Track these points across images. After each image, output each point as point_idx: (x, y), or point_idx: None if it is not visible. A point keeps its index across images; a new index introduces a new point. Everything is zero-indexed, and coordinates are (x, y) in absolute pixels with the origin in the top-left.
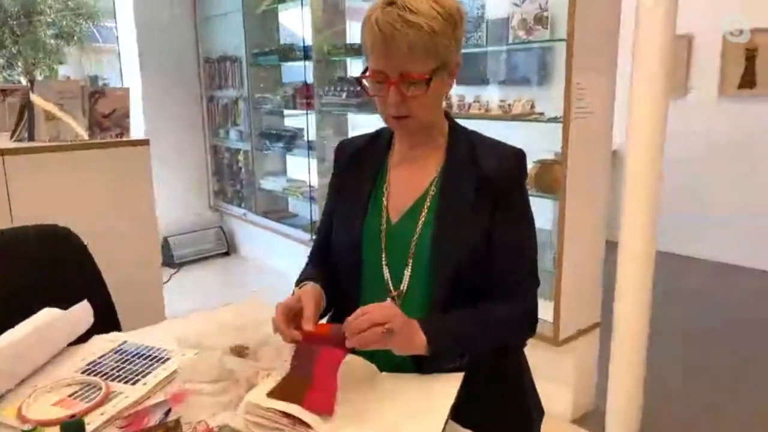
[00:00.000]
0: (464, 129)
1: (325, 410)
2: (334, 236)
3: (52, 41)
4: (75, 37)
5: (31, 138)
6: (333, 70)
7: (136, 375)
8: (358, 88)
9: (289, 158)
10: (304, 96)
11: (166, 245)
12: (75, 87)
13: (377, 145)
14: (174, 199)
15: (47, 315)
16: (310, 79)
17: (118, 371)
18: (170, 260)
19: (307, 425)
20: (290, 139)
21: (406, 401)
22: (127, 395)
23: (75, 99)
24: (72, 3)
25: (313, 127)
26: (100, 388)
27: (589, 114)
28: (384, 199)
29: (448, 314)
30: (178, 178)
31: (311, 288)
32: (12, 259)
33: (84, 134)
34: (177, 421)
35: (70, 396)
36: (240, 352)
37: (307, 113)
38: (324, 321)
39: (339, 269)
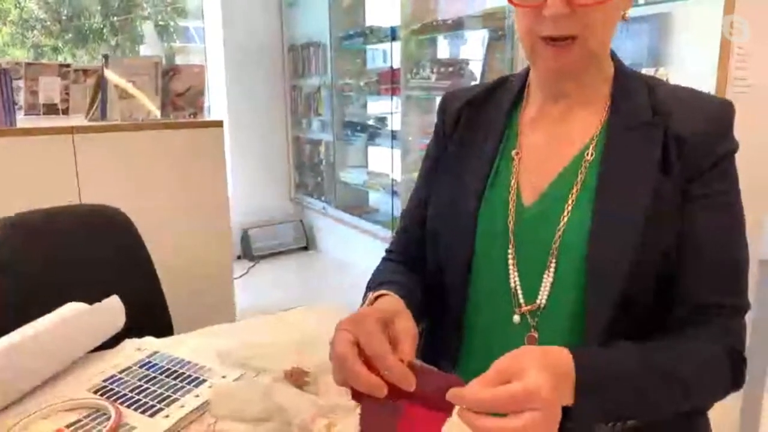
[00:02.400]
0: (636, 72)
1: None
2: (432, 223)
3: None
4: (170, 30)
5: (103, 116)
6: (422, 50)
7: (160, 401)
8: (450, 69)
9: (370, 149)
10: (389, 81)
11: (245, 237)
12: (149, 64)
13: (502, 96)
14: (255, 191)
15: (68, 313)
16: (395, 64)
17: (138, 393)
18: (249, 253)
19: None
20: (373, 129)
21: None
22: None
23: (149, 76)
24: None
25: (397, 115)
26: (110, 418)
27: (750, 88)
28: (513, 170)
29: (614, 347)
30: (259, 169)
31: (399, 304)
32: (50, 240)
33: (156, 112)
34: None
35: (69, 426)
36: (297, 378)
37: (392, 99)
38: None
39: (438, 275)
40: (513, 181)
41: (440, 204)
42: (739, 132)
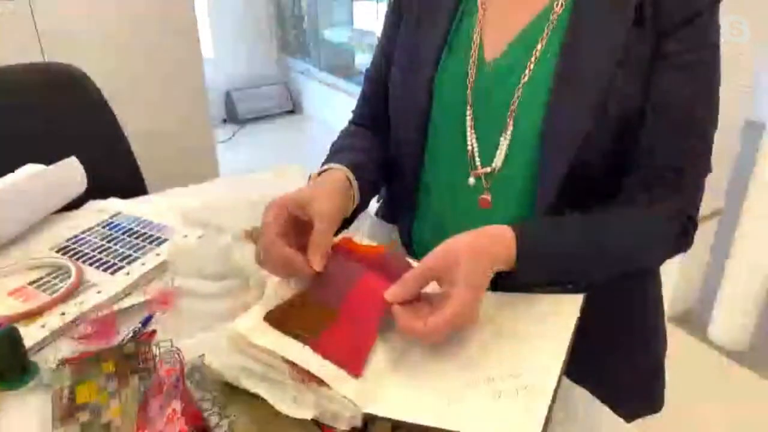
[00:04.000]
0: None
1: (349, 366)
2: (392, 83)
3: None
4: None
5: None
6: None
7: (121, 260)
8: None
9: (356, 4)
10: None
11: (229, 100)
12: None
13: None
14: (237, 51)
15: (25, 173)
16: None
17: (100, 252)
18: (234, 116)
19: (319, 380)
20: None
21: (484, 341)
22: (100, 289)
23: None
24: None
25: None
26: (71, 276)
27: None
28: (477, 23)
29: (556, 220)
30: (241, 28)
31: (331, 183)
32: (5, 99)
33: None
34: (146, 339)
35: (32, 284)
36: (257, 237)
37: None
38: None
39: (396, 134)
40: (476, 35)
41: (398, 66)
42: None
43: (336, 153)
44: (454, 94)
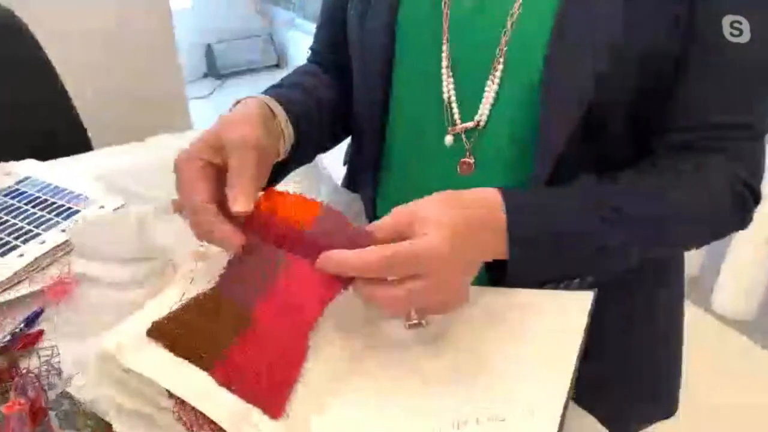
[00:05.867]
0: None
1: (266, 404)
2: (350, 22)
3: None
4: None
5: None
6: None
7: (17, 237)
8: None
9: None
10: None
11: (210, 53)
12: None
13: None
14: (217, 1)
15: None
16: None
17: None
18: (214, 70)
19: (215, 426)
20: None
21: (457, 358)
22: None
23: None
24: None
25: None
26: None
27: None
28: None
29: (564, 185)
30: None
31: (242, 113)
32: None
33: None
34: (26, 345)
35: None
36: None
37: None
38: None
39: (356, 77)
40: None
41: (355, 2)
42: None
43: (275, 87)
44: (425, 25)
